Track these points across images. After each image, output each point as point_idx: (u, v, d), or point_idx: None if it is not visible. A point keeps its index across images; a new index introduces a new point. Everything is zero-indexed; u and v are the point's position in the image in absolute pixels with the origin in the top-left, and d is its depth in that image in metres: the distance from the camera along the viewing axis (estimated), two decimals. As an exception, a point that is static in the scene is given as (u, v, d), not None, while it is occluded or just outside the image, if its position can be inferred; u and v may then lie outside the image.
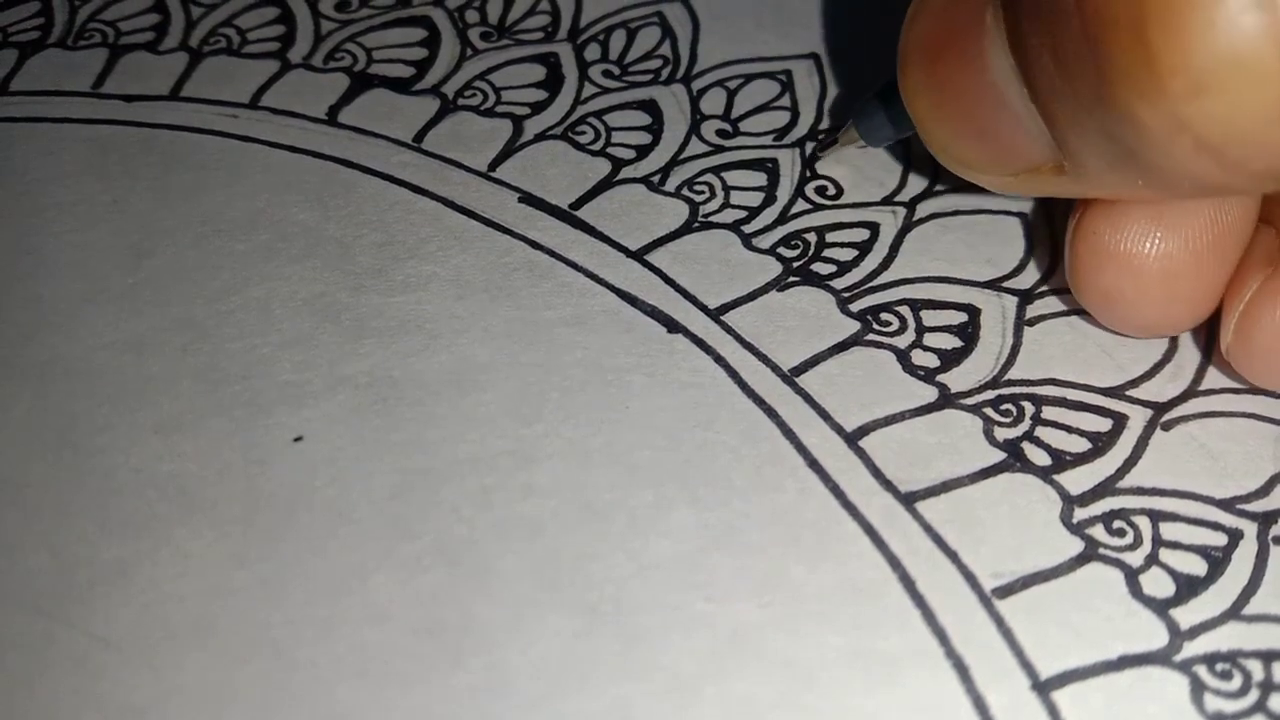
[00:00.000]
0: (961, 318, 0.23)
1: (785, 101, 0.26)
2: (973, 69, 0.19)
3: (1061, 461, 0.21)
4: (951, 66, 0.19)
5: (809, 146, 0.25)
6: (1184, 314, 0.21)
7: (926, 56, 0.20)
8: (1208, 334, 0.22)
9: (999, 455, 0.21)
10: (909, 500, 0.20)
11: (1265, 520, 0.20)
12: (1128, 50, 0.16)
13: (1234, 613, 0.19)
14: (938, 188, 0.25)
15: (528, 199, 0.25)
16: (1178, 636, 0.19)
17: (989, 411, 0.22)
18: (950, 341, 0.23)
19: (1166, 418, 0.22)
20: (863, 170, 0.25)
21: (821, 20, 0.28)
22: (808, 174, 0.25)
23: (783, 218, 0.24)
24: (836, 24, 0.28)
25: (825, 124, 0.26)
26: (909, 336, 0.23)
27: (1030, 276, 0.23)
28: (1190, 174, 0.17)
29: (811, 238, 0.24)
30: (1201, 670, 0.19)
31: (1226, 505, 0.20)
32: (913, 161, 0.25)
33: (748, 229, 0.24)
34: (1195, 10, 0.15)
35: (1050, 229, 0.24)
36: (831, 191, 0.25)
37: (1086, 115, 0.17)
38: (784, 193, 0.25)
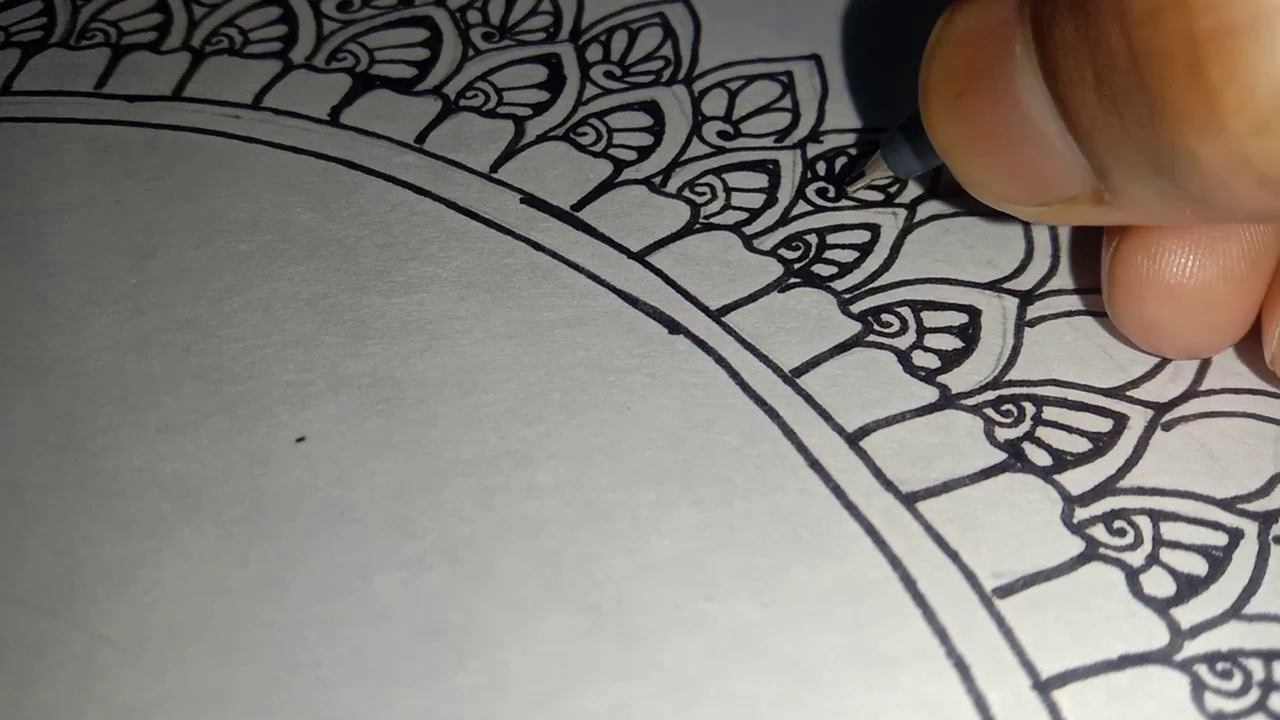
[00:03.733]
0: (962, 319, 0.23)
1: (786, 103, 0.26)
2: (1003, 102, 0.18)
3: (1062, 461, 0.21)
4: (980, 99, 0.19)
5: (810, 148, 0.25)
6: (1225, 336, 0.21)
7: (952, 90, 0.19)
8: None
9: (1000, 455, 0.21)
10: (910, 500, 0.20)
11: (1265, 520, 0.20)
12: (1184, 88, 0.15)
13: (1234, 612, 0.19)
14: (938, 190, 0.25)
15: (529, 200, 0.25)
16: (1178, 636, 0.19)
17: (990, 412, 0.22)
18: (951, 342, 0.23)
19: (1167, 418, 0.22)
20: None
21: (822, 21, 0.28)
22: (808, 175, 0.25)
23: (784, 219, 0.24)
24: (837, 25, 0.28)
25: (826, 126, 0.26)
26: (910, 337, 0.23)
27: (1031, 278, 0.23)
28: (1248, 208, 0.16)
29: (812, 239, 0.24)
30: (1202, 669, 0.19)
31: (1227, 505, 0.20)
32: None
33: (749, 230, 0.24)
34: (1255, 45, 0.14)
35: (1051, 231, 0.24)
36: (832, 193, 0.25)
37: (1135, 151, 0.16)
38: (785, 194, 0.25)
